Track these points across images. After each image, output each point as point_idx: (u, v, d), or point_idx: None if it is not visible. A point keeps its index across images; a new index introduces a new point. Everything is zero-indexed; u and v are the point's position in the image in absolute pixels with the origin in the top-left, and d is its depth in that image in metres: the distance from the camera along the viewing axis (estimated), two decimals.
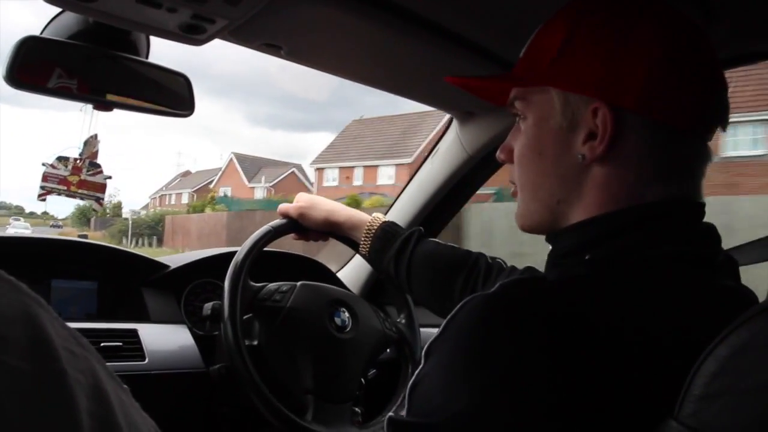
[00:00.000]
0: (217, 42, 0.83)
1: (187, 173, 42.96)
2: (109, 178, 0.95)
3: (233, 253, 1.03)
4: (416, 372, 0.49)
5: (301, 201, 1.07)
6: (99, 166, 0.94)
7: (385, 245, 1.00)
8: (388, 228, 1.02)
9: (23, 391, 0.24)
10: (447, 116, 1.29)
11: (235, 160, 35.06)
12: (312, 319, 1.05)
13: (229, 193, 31.47)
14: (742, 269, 0.57)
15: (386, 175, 24.62)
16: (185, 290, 1.21)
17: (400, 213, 1.35)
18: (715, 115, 0.56)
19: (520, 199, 0.61)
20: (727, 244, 0.58)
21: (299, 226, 1.07)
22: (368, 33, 0.86)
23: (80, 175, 0.92)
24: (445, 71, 0.89)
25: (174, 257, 1.34)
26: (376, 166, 25.58)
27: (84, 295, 1.20)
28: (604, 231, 0.54)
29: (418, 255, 0.97)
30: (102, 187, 0.94)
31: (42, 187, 0.90)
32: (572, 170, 0.55)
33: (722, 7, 0.77)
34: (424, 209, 1.33)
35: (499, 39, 0.91)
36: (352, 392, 1.08)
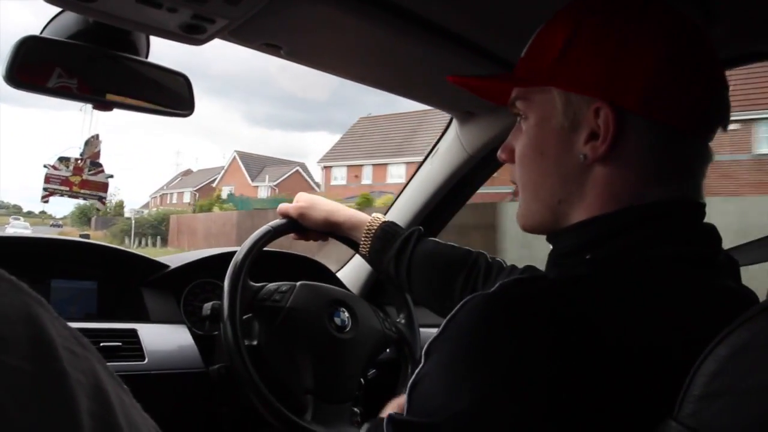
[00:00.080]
0: (216, 41, 0.83)
1: (188, 172, 42.74)
2: (111, 176, 0.95)
3: (233, 253, 1.03)
4: (416, 371, 0.49)
5: (300, 201, 1.07)
6: (100, 165, 0.94)
7: (385, 245, 1.00)
8: (388, 228, 1.02)
9: (24, 391, 0.24)
10: None
11: (238, 159, 34.60)
12: (311, 319, 1.04)
13: (232, 192, 31.20)
14: (742, 269, 0.58)
15: (396, 174, 24.04)
16: (185, 290, 1.21)
17: (400, 213, 1.35)
18: (716, 115, 0.56)
19: (522, 199, 0.61)
20: None
21: (299, 226, 1.07)
22: (368, 33, 0.86)
23: (82, 175, 0.92)
24: (445, 71, 0.89)
25: (173, 257, 1.34)
26: (386, 164, 25.11)
27: (84, 294, 1.20)
28: (605, 231, 0.54)
29: (418, 254, 0.97)
30: (104, 186, 0.95)
31: (45, 189, 0.90)
32: (574, 170, 0.55)
33: (722, 7, 0.77)
34: (424, 209, 1.33)
35: (499, 39, 0.91)
36: (352, 392, 1.08)
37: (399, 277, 0.99)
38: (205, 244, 16.98)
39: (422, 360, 0.50)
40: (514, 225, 0.65)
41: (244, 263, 1.00)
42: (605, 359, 0.44)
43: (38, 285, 1.14)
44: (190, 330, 1.16)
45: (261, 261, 1.04)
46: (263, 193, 31.50)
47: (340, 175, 27.24)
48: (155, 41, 0.89)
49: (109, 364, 0.29)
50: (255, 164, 35.03)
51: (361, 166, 26.29)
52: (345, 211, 1.06)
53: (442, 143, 1.31)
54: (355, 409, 1.08)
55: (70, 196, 0.92)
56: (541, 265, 0.69)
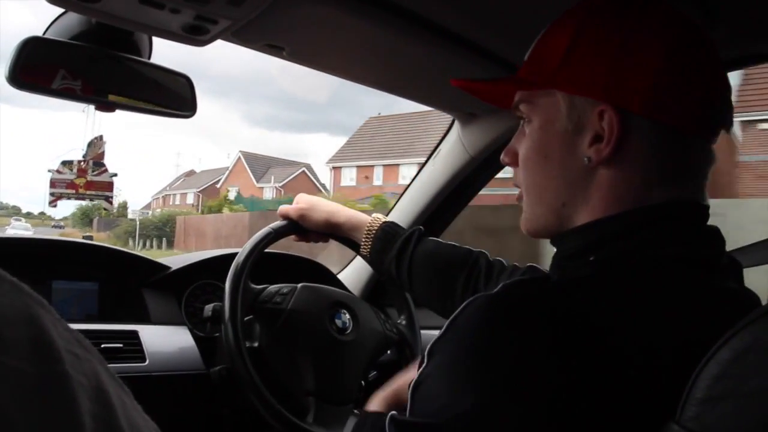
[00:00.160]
0: (217, 42, 0.83)
1: (191, 173, 42.49)
2: (115, 175, 0.95)
3: (234, 255, 1.03)
4: (419, 372, 0.49)
5: (301, 202, 1.07)
6: (103, 165, 0.94)
7: (386, 246, 1.00)
8: (389, 228, 1.02)
9: (25, 393, 0.24)
10: None
11: (243, 160, 34.13)
12: (313, 321, 1.04)
13: (239, 193, 30.67)
14: (745, 271, 0.57)
15: (408, 175, 22.44)
16: (186, 292, 1.21)
17: (402, 214, 1.35)
18: (719, 116, 0.56)
19: (526, 203, 0.61)
20: None
21: (300, 227, 1.07)
22: (371, 34, 0.86)
23: (86, 176, 0.92)
24: (447, 73, 0.89)
25: (175, 258, 1.34)
26: (397, 164, 24.36)
27: (85, 296, 1.20)
28: (608, 233, 0.54)
29: (419, 254, 0.97)
30: (110, 186, 0.95)
31: (52, 194, 0.91)
32: (578, 173, 0.55)
33: (723, 9, 0.77)
34: (426, 210, 1.33)
35: (502, 41, 0.91)
36: (353, 394, 1.07)
37: (400, 277, 0.99)
38: (216, 246, 16.22)
39: (425, 361, 0.50)
40: None
41: (245, 265, 1.00)
42: (608, 360, 0.44)
43: (39, 286, 1.14)
44: (191, 332, 1.16)
45: (262, 263, 1.04)
46: (268, 194, 31.09)
47: (349, 176, 26.56)
48: (157, 42, 0.89)
49: (110, 365, 0.29)
50: (260, 165, 34.64)
51: (372, 166, 25.63)
52: (345, 212, 1.06)
53: (443, 145, 1.31)
54: (357, 411, 1.08)
55: (77, 198, 0.93)
56: None
